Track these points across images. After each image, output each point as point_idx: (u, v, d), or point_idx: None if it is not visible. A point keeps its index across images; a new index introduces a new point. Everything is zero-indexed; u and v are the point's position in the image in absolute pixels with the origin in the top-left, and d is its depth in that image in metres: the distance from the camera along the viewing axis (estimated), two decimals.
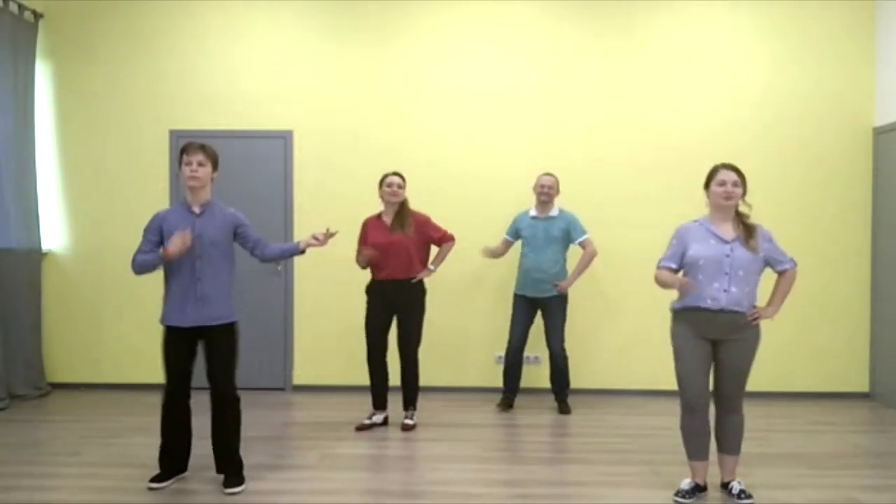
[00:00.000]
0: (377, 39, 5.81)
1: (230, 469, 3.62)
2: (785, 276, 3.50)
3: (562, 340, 5.17)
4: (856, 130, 5.72)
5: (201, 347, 3.63)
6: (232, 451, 3.64)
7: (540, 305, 5.20)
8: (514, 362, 5.27)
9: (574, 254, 5.23)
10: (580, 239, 5.14)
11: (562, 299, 5.16)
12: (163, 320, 3.60)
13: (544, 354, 5.36)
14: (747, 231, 3.39)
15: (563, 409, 5.22)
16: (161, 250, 3.45)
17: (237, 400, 3.64)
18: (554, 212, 5.16)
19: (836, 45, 5.72)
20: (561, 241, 5.13)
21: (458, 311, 5.73)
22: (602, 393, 5.71)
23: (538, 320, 5.26)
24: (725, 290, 3.34)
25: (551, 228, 5.11)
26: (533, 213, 5.20)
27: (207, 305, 3.53)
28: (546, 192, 5.10)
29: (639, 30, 5.78)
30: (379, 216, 4.78)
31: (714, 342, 3.43)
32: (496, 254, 5.29)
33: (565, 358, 5.20)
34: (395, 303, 4.72)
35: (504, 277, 5.57)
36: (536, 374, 5.60)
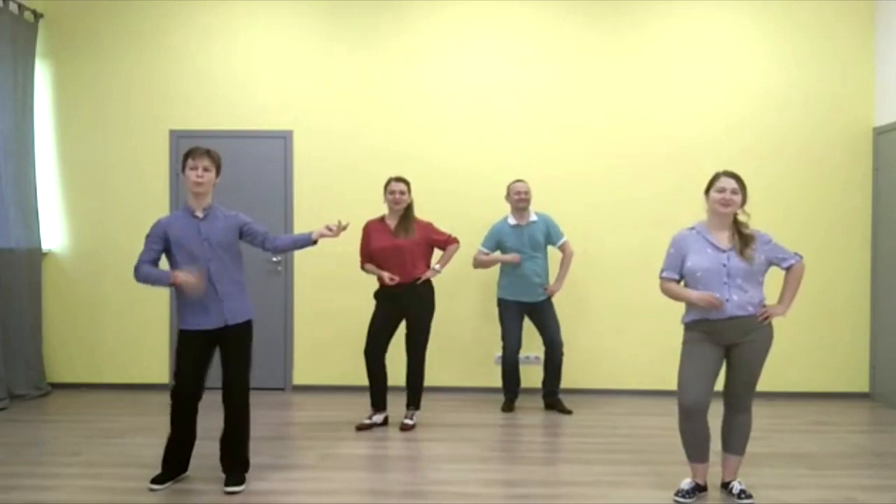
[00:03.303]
0: (377, 39, 5.80)
1: (237, 469, 3.63)
2: (792, 271, 3.46)
3: (560, 333, 5.21)
4: (856, 130, 5.72)
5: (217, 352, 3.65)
6: (243, 453, 3.66)
7: (529, 308, 5.22)
8: (513, 366, 5.28)
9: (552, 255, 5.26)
10: (560, 242, 5.18)
11: (550, 298, 5.22)
12: (183, 324, 3.57)
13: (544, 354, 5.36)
14: (743, 241, 3.37)
15: (561, 408, 5.22)
16: (172, 276, 3.44)
17: (248, 403, 3.66)
18: (533, 217, 5.16)
19: (835, 44, 5.72)
20: (545, 245, 5.18)
21: (458, 311, 5.72)
22: (602, 393, 5.70)
23: (527, 322, 5.28)
24: (727, 300, 3.33)
25: (535, 234, 5.13)
26: (512, 221, 5.17)
27: (230, 303, 3.55)
28: (524, 199, 5.10)
29: (637, 30, 5.77)
30: (382, 219, 4.79)
31: (727, 346, 3.42)
32: (484, 265, 5.22)
33: (562, 352, 5.22)
34: (406, 306, 4.72)
35: None
36: (536, 374, 5.59)
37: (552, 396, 5.29)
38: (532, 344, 5.36)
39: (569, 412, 5.18)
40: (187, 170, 3.54)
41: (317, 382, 5.80)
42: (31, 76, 5.68)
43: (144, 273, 3.51)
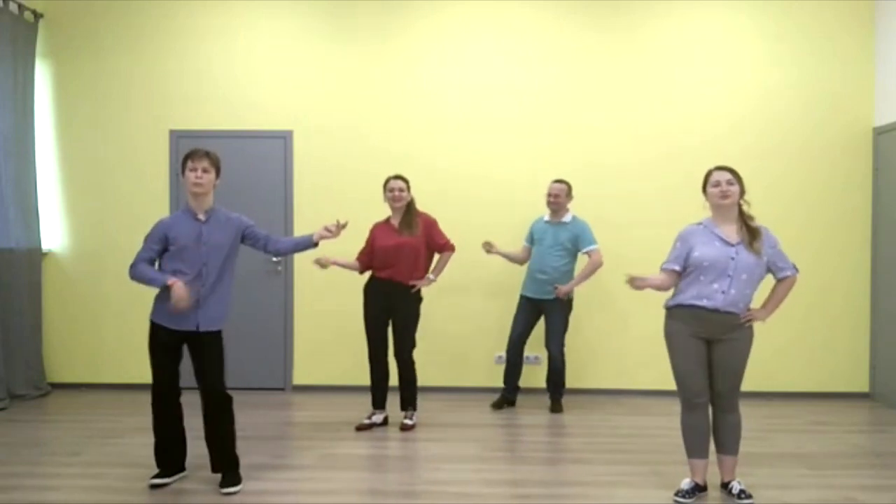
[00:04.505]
0: (377, 39, 5.80)
1: (227, 468, 3.61)
2: (784, 282, 3.49)
3: (560, 344, 5.18)
4: (856, 130, 5.72)
5: (186, 348, 3.62)
6: (229, 451, 3.63)
7: (542, 307, 5.21)
8: (511, 361, 5.29)
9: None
10: (587, 249, 5.13)
11: (564, 304, 5.16)
12: (155, 318, 3.55)
13: (545, 355, 5.36)
14: (751, 233, 3.38)
15: (555, 407, 5.23)
16: (170, 282, 3.42)
17: (230, 399, 3.63)
18: (567, 218, 5.18)
19: (835, 44, 5.72)
20: (567, 248, 5.13)
21: (459, 311, 5.73)
22: (602, 393, 5.70)
23: (542, 322, 5.28)
24: (724, 292, 3.34)
25: (560, 233, 5.13)
26: (547, 217, 5.25)
27: (206, 310, 3.53)
28: (554, 201, 5.13)
29: (637, 30, 5.77)
30: (387, 220, 4.81)
31: (707, 341, 3.44)
32: (517, 259, 5.34)
33: (562, 361, 5.21)
34: (390, 304, 4.72)
35: (504, 278, 5.57)
36: (536, 374, 5.59)
37: (550, 396, 5.30)
38: (532, 344, 5.36)
39: (559, 410, 5.20)
40: (187, 171, 3.54)
41: (317, 382, 5.80)
42: (31, 76, 5.68)
43: (140, 271, 3.50)
